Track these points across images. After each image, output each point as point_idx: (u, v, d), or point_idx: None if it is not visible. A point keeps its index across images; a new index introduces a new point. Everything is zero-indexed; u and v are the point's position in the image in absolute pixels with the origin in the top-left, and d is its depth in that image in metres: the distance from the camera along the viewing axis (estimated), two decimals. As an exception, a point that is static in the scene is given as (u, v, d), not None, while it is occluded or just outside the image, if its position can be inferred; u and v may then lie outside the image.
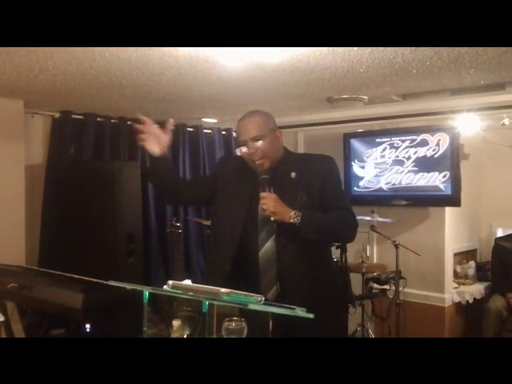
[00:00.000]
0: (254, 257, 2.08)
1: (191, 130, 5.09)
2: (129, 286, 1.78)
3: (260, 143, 2.04)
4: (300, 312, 1.52)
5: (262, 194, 2.00)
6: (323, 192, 2.08)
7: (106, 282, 1.93)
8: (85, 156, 4.28)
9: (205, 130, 5.18)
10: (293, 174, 2.08)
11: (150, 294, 1.73)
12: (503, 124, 3.83)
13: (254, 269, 2.08)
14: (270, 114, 2.15)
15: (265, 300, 1.87)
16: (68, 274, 2.87)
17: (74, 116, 4.24)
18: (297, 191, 2.05)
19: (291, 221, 1.97)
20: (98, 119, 4.38)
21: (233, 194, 2.15)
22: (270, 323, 1.63)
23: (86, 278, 2.72)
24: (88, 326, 2.45)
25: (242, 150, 2.08)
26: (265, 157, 2.06)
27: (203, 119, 4.87)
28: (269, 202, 1.97)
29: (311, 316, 1.48)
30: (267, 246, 2.07)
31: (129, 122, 4.56)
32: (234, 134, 5.42)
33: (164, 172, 2.27)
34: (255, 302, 1.55)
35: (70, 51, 2.41)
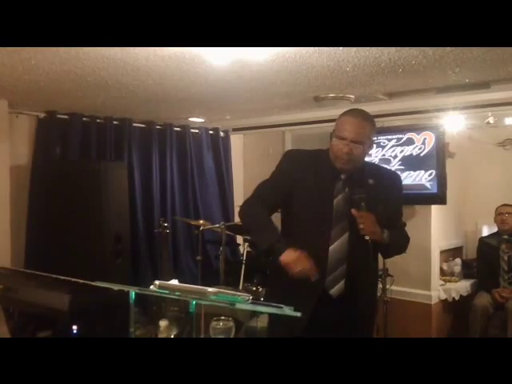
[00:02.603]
0: (323, 251, 2.09)
1: (178, 129, 5.07)
2: (115, 287, 1.77)
3: (357, 148, 2.04)
4: (287, 311, 1.52)
5: (360, 214, 2.02)
6: (394, 209, 2.22)
7: (92, 283, 1.91)
8: (71, 156, 4.24)
9: (192, 130, 5.16)
10: (370, 181, 2.13)
11: (137, 295, 1.73)
12: (488, 122, 3.88)
13: (321, 263, 2.06)
14: (375, 122, 2.17)
15: (329, 294, 2.08)
16: (54, 276, 2.85)
17: (59, 116, 4.20)
18: (376, 200, 2.08)
19: (383, 241, 2.07)
20: (84, 119, 4.34)
21: (310, 188, 2.13)
22: (258, 320, 1.63)
23: (73, 280, 2.70)
24: (75, 327, 2.44)
25: (334, 143, 2.08)
26: (353, 161, 2.07)
27: (190, 119, 4.85)
28: (367, 222, 2.01)
29: (298, 314, 1.48)
30: (339, 242, 2.10)
31: (115, 122, 4.53)
32: (222, 133, 5.42)
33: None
34: (242, 302, 1.55)
35: (54, 50, 2.38)
